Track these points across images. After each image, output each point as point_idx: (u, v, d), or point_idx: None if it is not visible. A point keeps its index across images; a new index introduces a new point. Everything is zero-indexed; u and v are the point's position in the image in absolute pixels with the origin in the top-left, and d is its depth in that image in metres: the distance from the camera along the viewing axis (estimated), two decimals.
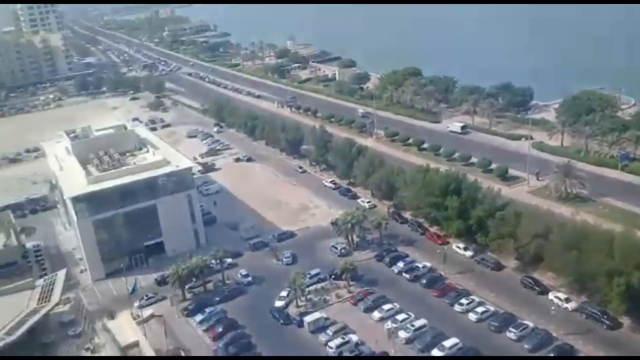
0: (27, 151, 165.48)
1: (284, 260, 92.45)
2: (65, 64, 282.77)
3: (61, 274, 70.23)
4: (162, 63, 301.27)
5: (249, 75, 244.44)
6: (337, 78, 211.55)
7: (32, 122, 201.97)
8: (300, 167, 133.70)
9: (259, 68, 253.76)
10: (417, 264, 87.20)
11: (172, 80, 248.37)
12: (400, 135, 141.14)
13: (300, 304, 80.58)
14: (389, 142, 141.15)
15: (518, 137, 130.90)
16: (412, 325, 72.52)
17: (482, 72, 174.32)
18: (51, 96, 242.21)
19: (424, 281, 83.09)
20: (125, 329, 63.51)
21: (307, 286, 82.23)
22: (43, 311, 61.57)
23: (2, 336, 56.81)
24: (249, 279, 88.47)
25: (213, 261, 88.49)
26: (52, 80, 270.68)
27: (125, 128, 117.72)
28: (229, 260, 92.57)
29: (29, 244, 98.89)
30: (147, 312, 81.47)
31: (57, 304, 64.20)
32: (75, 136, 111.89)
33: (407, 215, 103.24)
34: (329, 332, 73.19)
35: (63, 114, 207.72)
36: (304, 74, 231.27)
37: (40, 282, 68.98)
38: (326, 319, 76.15)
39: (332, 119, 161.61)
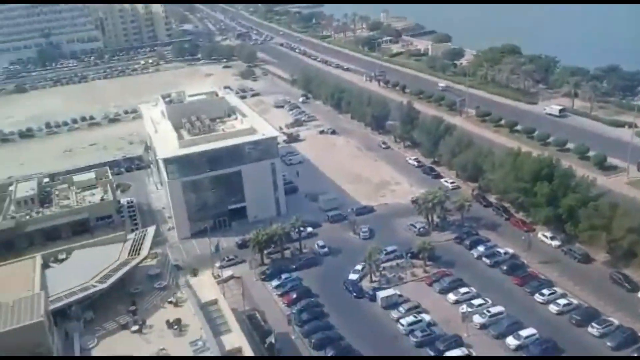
0: (126, 112, 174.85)
1: (361, 234, 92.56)
2: (164, 30, 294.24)
3: (151, 230, 73.70)
4: (255, 32, 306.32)
5: (339, 47, 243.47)
6: (429, 53, 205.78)
7: (132, 84, 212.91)
8: (384, 143, 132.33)
9: (350, 40, 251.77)
10: (498, 249, 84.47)
11: (264, 50, 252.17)
12: (492, 115, 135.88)
13: (374, 279, 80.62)
14: (479, 122, 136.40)
15: (621, 124, 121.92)
16: (488, 311, 70.53)
17: (588, 54, 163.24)
18: (150, 61, 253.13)
19: (505, 267, 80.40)
20: (205, 286, 66.11)
21: (383, 262, 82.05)
22: (133, 263, 64.94)
23: (95, 284, 60.86)
24: (326, 249, 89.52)
25: (292, 229, 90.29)
26: (152, 46, 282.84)
27: (217, 95, 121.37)
28: (309, 229, 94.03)
29: (123, 200, 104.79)
30: (227, 272, 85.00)
31: (145, 258, 67.64)
32: (170, 100, 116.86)
33: (492, 198, 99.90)
34: (402, 309, 72.78)
35: (160, 78, 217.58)
36: (395, 48, 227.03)
37: (131, 236, 72.75)
38: (399, 296, 75.75)
39: (421, 95, 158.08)
